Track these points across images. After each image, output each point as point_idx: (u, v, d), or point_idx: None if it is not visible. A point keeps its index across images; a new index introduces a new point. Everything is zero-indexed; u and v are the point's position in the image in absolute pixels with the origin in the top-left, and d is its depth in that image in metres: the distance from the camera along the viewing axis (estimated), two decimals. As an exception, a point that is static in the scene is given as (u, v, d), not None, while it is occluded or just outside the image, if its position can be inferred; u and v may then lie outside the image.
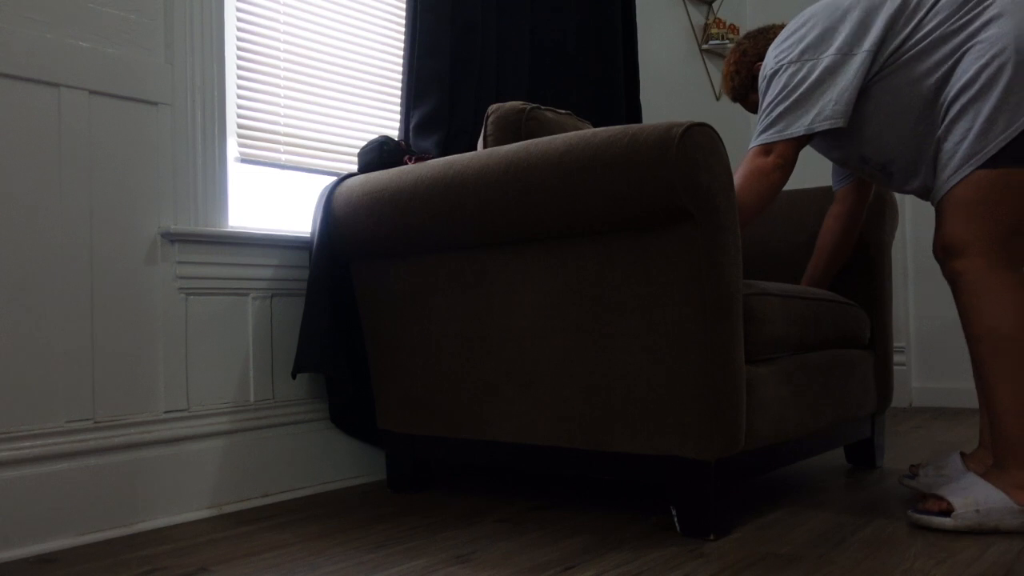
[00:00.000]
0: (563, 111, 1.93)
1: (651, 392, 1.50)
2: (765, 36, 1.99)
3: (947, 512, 1.46)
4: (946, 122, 1.57)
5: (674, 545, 1.44)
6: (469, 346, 1.74)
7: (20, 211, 1.53)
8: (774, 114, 1.69)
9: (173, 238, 1.75)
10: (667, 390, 1.48)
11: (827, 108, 1.64)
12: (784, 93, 1.68)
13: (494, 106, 1.84)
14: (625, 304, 1.52)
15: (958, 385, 3.42)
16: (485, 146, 1.82)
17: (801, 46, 1.71)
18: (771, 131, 1.68)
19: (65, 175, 1.59)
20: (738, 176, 1.70)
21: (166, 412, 1.74)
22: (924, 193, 1.73)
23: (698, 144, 1.41)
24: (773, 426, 1.61)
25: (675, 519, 1.51)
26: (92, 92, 1.63)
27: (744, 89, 2.02)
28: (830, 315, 1.87)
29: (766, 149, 1.68)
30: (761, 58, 1.95)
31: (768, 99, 1.71)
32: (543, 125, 1.81)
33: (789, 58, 1.70)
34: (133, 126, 1.71)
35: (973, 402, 3.38)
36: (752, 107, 2.02)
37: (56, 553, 1.52)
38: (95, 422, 1.63)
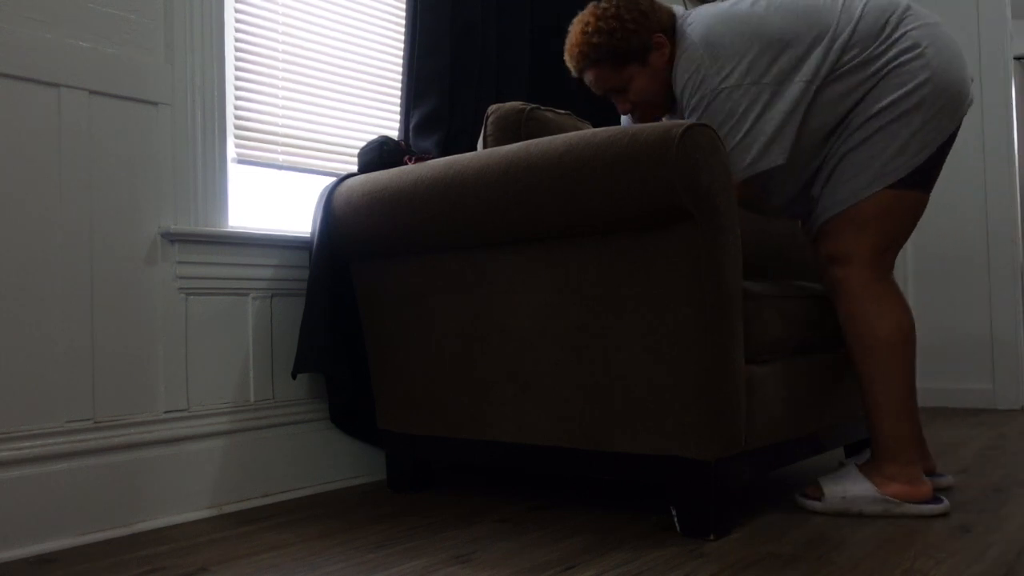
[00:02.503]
0: (563, 111, 1.93)
1: (651, 392, 1.50)
2: (664, 8, 1.76)
3: (820, 498, 1.65)
4: (855, 139, 1.62)
5: (674, 545, 1.44)
6: (469, 346, 1.74)
7: (20, 211, 1.53)
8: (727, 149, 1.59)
9: (173, 238, 1.75)
10: (667, 390, 1.48)
11: (773, 145, 1.60)
12: (732, 126, 1.61)
13: (494, 106, 1.84)
14: (625, 304, 1.52)
15: (958, 385, 3.42)
16: (485, 146, 1.82)
17: (741, 68, 1.61)
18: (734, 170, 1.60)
19: (65, 175, 1.59)
20: None
21: (166, 412, 1.74)
22: (798, 210, 1.78)
23: (698, 144, 1.41)
24: (773, 426, 1.61)
25: (675, 519, 1.51)
26: (92, 92, 1.63)
27: (634, 55, 1.71)
28: (830, 315, 1.87)
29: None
30: (663, 29, 1.72)
31: (712, 125, 1.61)
32: (543, 125, 1.81)
33: (731, 82, 1.61)
34: (133, 126, 1.71)
35: (973, 402, 3.39)
36: (623, 79, 1.74)
37: (56, 553, 1.52)
38: (95, 422, 1.63)
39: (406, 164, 2.00)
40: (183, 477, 1.75)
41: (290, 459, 1.95)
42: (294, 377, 1.89)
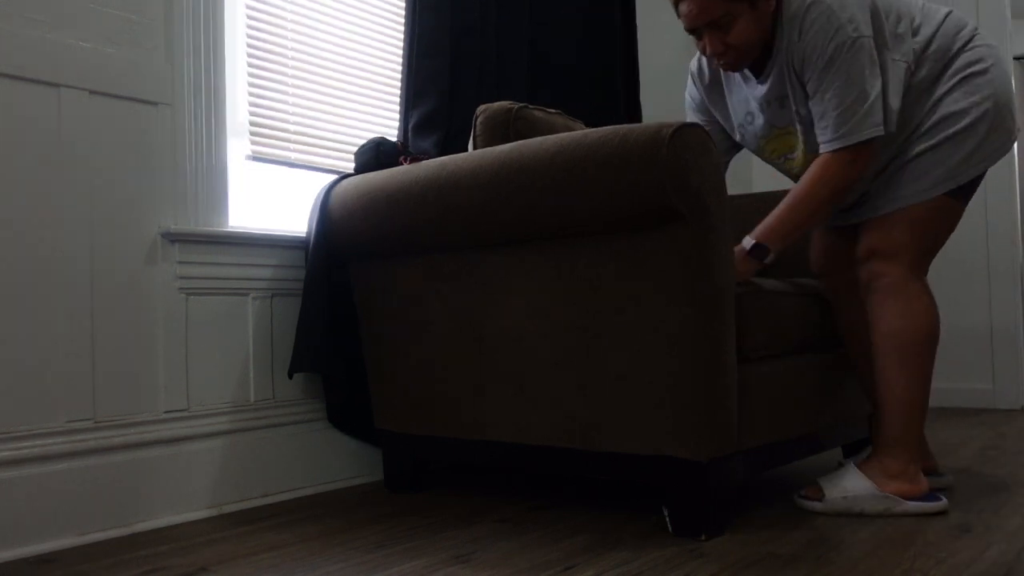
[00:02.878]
0: (553, 110, 1.93)
1: (643, 392, 1.50)
2: None
3: (820, 498, 1.65)
4: (925, 142, 1.66)
5: (674, 545, 1.44)
6: (464, 346, 1.74)
7: (20, 211, 1.53)
8: (864, 108, 1.57)
9: (173, 238, 1.75)
10: (660, 390, 1.48)
11: (884, 111, 1.62)
12: (869, 77, 1.57)
13: (483, 106, 1.84)
14: (617, 304, 1.52)
15: (957, 385, 3.42)
16: (475, 146, 1.83)
17: (865, 22, 1.58)
18: (865, 130, 1.58)
19: (65, 175, 1.60)
20: (827, 183, 1.61)
21: (166, 412, 1.74)
22: (851, 206, 1.77)
23: (688, 145, 1.41)
24: (768, 426, 1.61)
25: (667, 519, 1.51)
26: (92, 92, 1.63)
27: None
28: (828, 314, 1.87)
29: (856, 151, 1.59)
30: None
31: (849, 78, 1.56)
32: (532, 124, 1.81)
33: (864, 31, 1.57)
34: (133, 126, 1.71)
35: (972, 402, 3.39)
36: (729, 14, 1.61)
37: (56, 553, 1.52)
38: (95, 422, 1.63)
39: (402, 165, 2.00)
40: (183, 477, 1.75)
41: (290, 459, 1.95)
42: (290, 377, 1.89)
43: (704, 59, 1.82)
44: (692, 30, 1.66)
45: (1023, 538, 1.42)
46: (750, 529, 1.53)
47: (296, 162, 2.12)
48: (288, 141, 2.10)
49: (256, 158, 2.02)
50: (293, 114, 2.12)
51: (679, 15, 1.66)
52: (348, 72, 2.27)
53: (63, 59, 1.59)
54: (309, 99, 2.17)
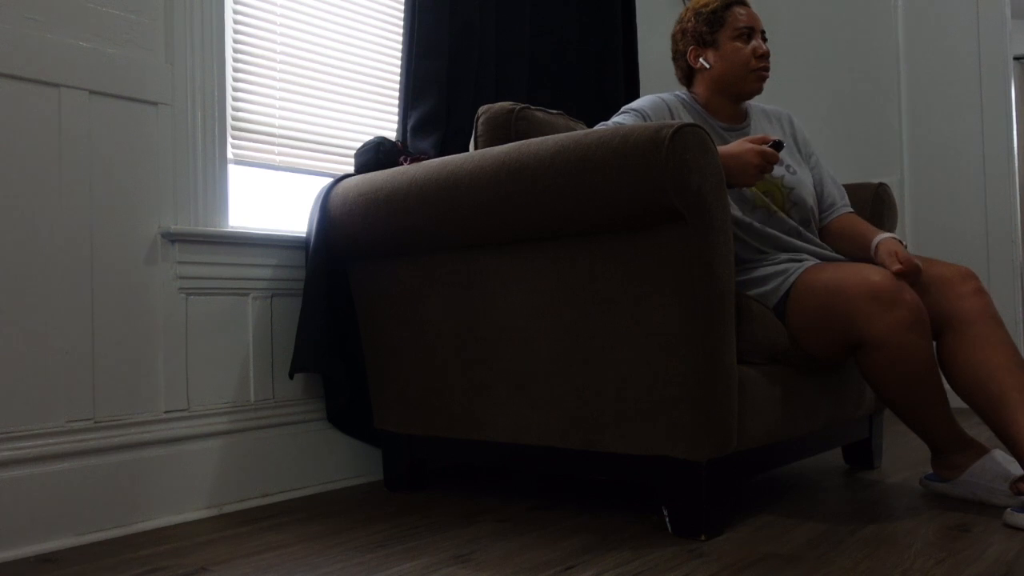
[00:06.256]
0: (554, 111, 1.93)
1: (642, 392, 1.50)
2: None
3: None
4: None
5: (674, 545, 1.44)
6: (464, 346, 1.74)
7: (20, 211, 1.53)
8: None
9: (173, 238, 1.75)
10: (658, 390, 1.48)
11: None
12: None
13: (484, 107, 1.84)
14: (617, 304, 1.52)
15: (957, 385, 3.41)
16: (476, 147, 1.83)
17: None
18: None
19: (65, 175, 1.60)
20: None
21: (166, 412, 1.74)
22: None
23: (688, 145, 1.41)
24: (767, 426, 1.61)
25: (666, 519, 1.51)
26: (92, 92, 1.64)
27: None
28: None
29: None
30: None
31: None
32: (533, 125, 1.81)
33: None
34: (133, 126, 1.71)
35: (972, 402, 3.38)
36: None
37: (56, 553, 1.52)
38: (95, 422, 1.63)
39: (402, 165, 2.00)
40: (183, 477, 1.75)
41: (290, 459, 1.95)
42: (291, 377, 1.89)
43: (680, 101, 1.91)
44: (750, 29, 1.88)
45: (1023, 538, 1.42)
46: (750, 529, 1.53)
47: (283, 166, 2.11)
48: (275, 144, 2.10)
49: (239, 162, 2.00)
50: (280, 116, 2.11)
51: (734, 17, 1.88)
52: (342, 73, 2.27)
53: (63, 59, 1.59)
54: (300, 100, 2.16)
